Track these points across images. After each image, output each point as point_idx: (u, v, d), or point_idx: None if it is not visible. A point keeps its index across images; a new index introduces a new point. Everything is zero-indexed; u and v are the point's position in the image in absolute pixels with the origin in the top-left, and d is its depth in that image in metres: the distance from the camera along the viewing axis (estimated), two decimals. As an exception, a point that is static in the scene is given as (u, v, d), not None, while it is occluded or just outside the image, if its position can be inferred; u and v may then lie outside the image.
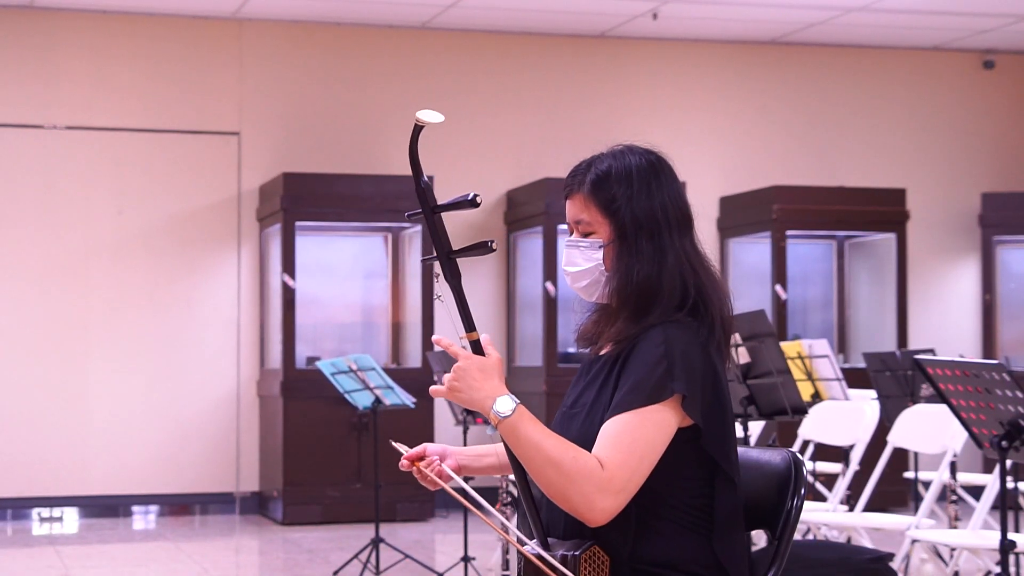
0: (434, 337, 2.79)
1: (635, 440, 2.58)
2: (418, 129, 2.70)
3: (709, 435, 2.66)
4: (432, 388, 2.74)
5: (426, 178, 2.73)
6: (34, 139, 9.80)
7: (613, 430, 2.60)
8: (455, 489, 2.80)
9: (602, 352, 2.78)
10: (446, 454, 2.91)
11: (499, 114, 10.52)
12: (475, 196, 2.68)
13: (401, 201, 9.74)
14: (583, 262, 2.77)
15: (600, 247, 2.75)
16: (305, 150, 10.19)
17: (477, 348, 2.67)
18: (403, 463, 2.86)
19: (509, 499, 6.28)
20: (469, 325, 2.69)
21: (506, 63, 10.60)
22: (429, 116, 2.70)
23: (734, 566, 2.70)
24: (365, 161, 10.26)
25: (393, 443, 2.96)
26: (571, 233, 2.81)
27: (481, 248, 2.68)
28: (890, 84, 11.25)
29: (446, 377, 2.69)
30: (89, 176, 9.86)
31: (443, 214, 2.74)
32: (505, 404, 2.61)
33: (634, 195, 2.73)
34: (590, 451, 2.62)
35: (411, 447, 2.89)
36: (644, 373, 2.62)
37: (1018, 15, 10.30)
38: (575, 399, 2.79)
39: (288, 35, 10.24)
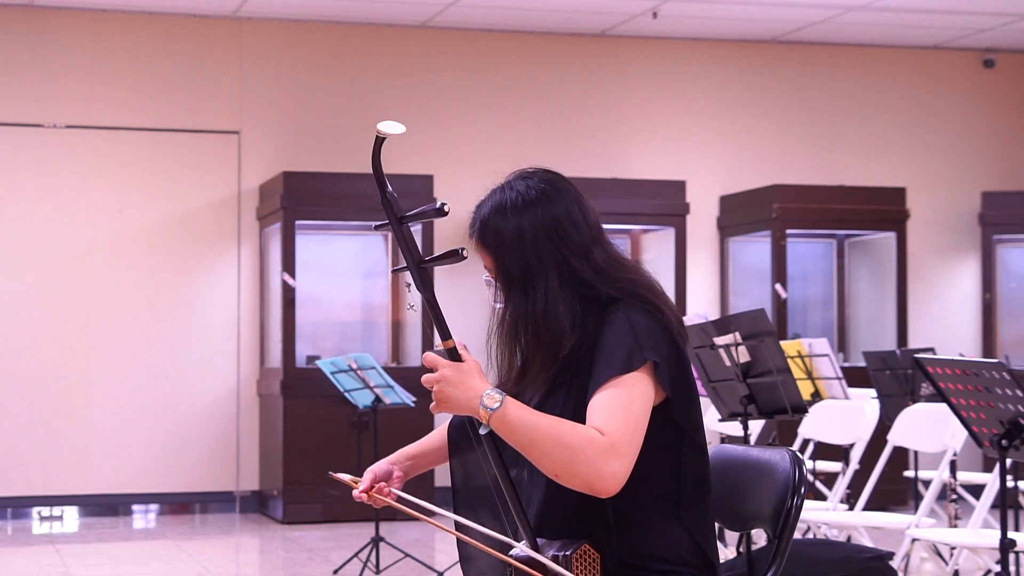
0: (424, 355, 2.77)
1: (626, 405, 2.59)
2: (380, 141, 2.70)
3: (677, 405, 2.68)
4: (431, 406, 2.73)
5: (391, 189, 2.73)
6: (34, 138, 9.79)
7: (601, 400, 2.60)
8: (410, 506, 2.82)
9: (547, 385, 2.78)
10: (390, 472, 2.93)
11: (499, 113, 10.51)
12: (442, 204, 2.69)
13: (401, 200, 9.68)
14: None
15: (498, 288, 2.79)
16: (305, 149, 10.19)
17: (454, 355, 2.66)
18: (358, 496, 2.87)
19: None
20: (444, 333, 2.68)
21: (506, 62, 10.60)
22: (390, 128, 2.70)
23: (702, 533, 2.72)
24: (365, 160, 10.15)
25: (334, 475, 2.94)
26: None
27: (452, 256, 2.67)
28: (890, 83, 11.25)
29: (430, 385, 2.67)
30: (89, 175, 9.86)
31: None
32: (491, 398, 2.61)
33: (506, 240, 2.74)
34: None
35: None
36: (615, 345, 2.64)
37: (1018, 14, 10.30)
38: (542, 399, 2.76)
39: (288, 34, 10.24)
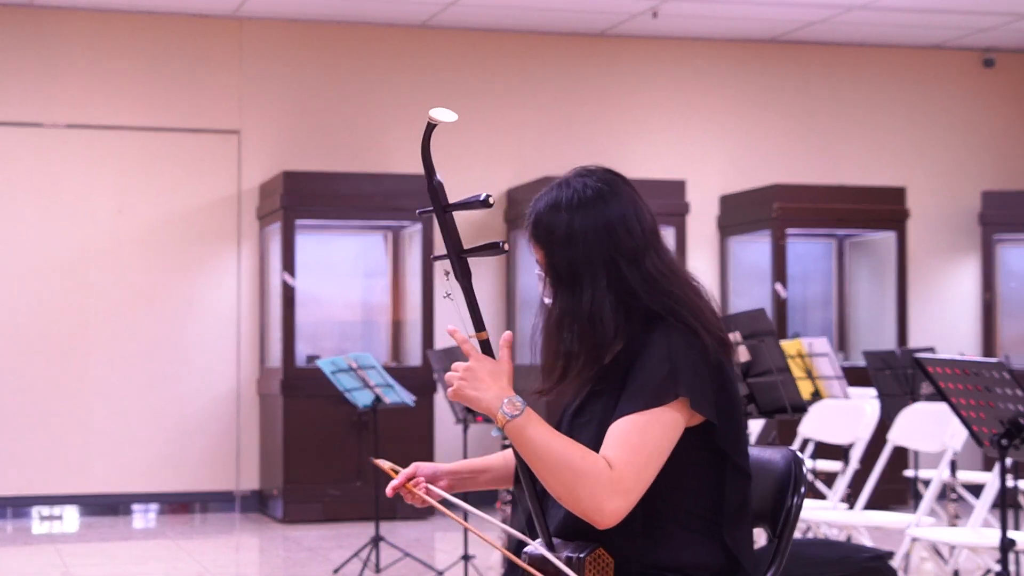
0: (449, 327, 2.76)
1: (643, 440, 2.58)
2: (431, 127, 2.70)
3: (722, 430, 2.66)
4: (448, 392, 2.71)
5: (438, 177, 2.72)
6: (34, 137, 9.80)
7: (620, 430, 2.59)
8: (443, 504, 2.80)
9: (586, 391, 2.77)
10: (438, 474, 2.89)
11: (499, 112, 10.52)
12: (487, 196, 2.68)
13: (401, 199, 9.75)
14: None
15: (547, 284, 2.77)
16: (305, 148, 10.19)
17: (487, 348, 2.67)
18: (391, 490, 2.83)
19: (510, 498, 6.28)
20: (479, 324, 2.70)
21: (506, 61, 10.60)
22: (442, 115, 2.70)
23: (745, 558, 2.71)
24: (365, 159, 10.26)
25: (376, 460, 2.92)
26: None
27: (492, 248, 2.68)
28: (890, 82, 11.25)
29: (450, 375, 2.67)
30: (89, 174, 9.86)
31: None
32: (513, 406, 2.61)
33: (557, 237, 2.71)
34: None
35: (402, 458, 2.89)
36: (648, 375, 2.62)
37: (1018, 13, 10.30)
38: (579, 406, 2.78)
39: (288, 33, 10.24)
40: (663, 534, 2.67)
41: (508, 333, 2.73)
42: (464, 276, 2.71)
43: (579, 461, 2.56)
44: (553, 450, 2.58)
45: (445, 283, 2.75)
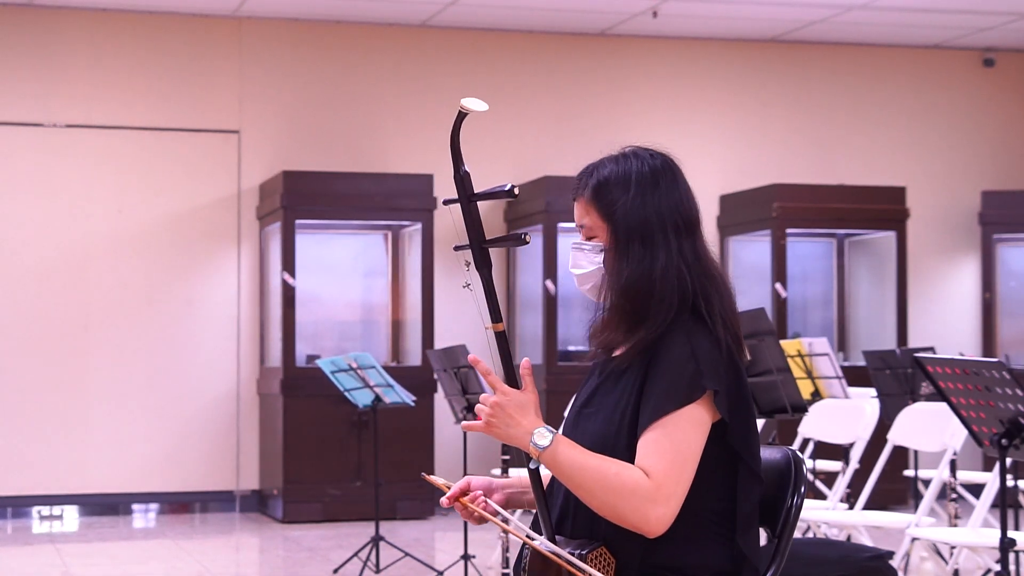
0: (471, 356, 2.79)
1: (676, 444, 2.60)
2: (462, 116, 2.71)
3: (735, 430, 2.68)
4: (464, 424, 2.73)
5: (464, 167, 2.71)
6: (34, 137, 9.79)
7: (653, 438, 2.61)
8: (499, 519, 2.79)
9: (614, 353, 2.78)
10: (492, 488, 2.88)
11: (499, 112, 10.51)
12: (512, 187, 2.71)
13: (401, 199, 9.75)
14: (587, 264, 2.80)
15: (601, 251, 2.77)
16: (305, 148, 10.19)
17: (502, 340, 2.69)
18: (446, 501, 2.82)
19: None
20: (496, 315, 2.71)
21: (506, 61, 10.60)
22: (474, 104, 2.70)
23: (757, 558, 2.72)
24: (365, 159, 10.26)
25: (427, 476, 2.90)
26: (580, 235, 2.84)
27: (515, 240, 2.73)
28: (890, 82, 11.25)
29: (480, 409, 2.68)
30: (89, 174, 9.86)
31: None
32: (543, 437, 2.64)
33: (630, 201, 2.74)
34: (610, 454, 2.64)
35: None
36: (674, 375, 2.64)
37: (1018, 13, 10.30)
38: (587, 398, 2.79)
39: (288, 33, 10.24)
40: (669, 534, 2.67)
41: (527, 360, 2.74)
42: (485, 267, 2.73)
43: (614, 478, 2.59)
44: (589, 472, 2.61)
45: (464, 273, 2.75)
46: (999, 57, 11.37)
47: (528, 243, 2.72)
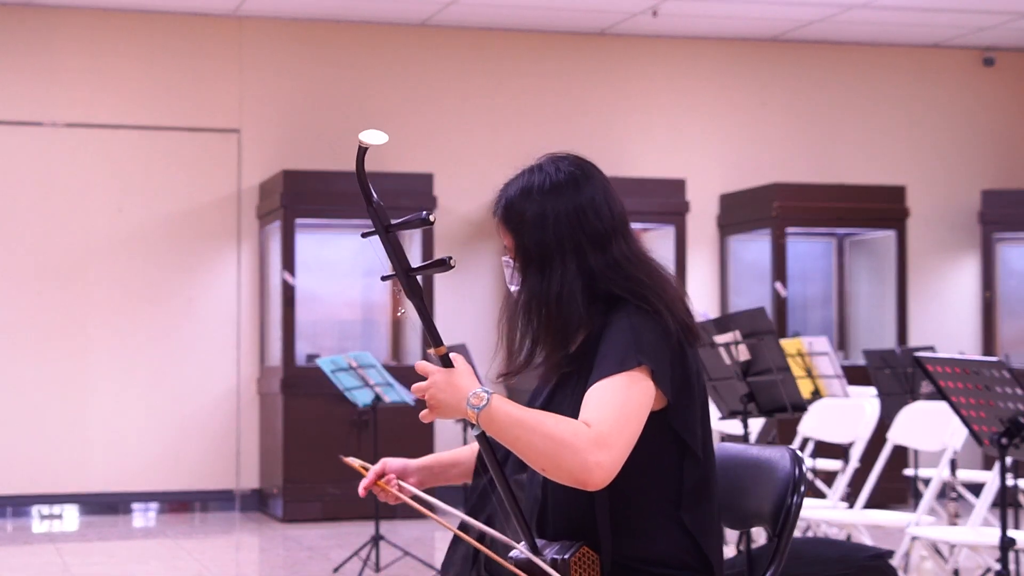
0: (417, 363, 2.77)
1: (614, 399, 2.57)
2: (363, 151, 2.71)
3: (676, 411, 2.66)
4: (421, 414, 2.72)
5: (376, 198, 2.74)
6: (33, 137, 9.79)
7: (592, 396, 2.60)
8: (415, 500, 2.80)
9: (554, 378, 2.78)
10: (407, 471, 2.91)
11: (498, 111, 10.51)
12: (427, 214, 2.71)
13: (401, 198, 9.74)
14: (514, 284, 2.80)
15: (515, 269, 2.78)
16: (305, 147, 10.19)
17: (447, 362, 2.66)
18: (363, 489, 2.85)
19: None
20: (436, 340, 2.69)
21: (506, 60, 10.60)
22: (372, 137, 2.71)
23: (703, 535, 2.70)
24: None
25: (345, 459, 2.92)
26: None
27: (440, 265, 2.69)
28: (890, 81, 11.25)
29: (421, 395, 2.68)
30: (88, 174, 9.86)
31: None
32: (478, 397, 2.60)
33: (530, 222, 2.73)
34: None
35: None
36: (613, 346, 2.63)
37: (1018, 12, 10.30)
38: (550, 394, 2.79)
39: (288, 32, 10.24)
40: (638, 525, 2.67)
41: (443, 347, 2.71)
42: (415, 294, 2.71)
43: (554, 427, 2.55)
44: (527, 424, 2.57)
45: (402, 301, 2.75)
46: (999, 56, 11.37)
47: (454, 267, 2.70)
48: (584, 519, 2.67)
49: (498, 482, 2.67)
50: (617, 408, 2.56)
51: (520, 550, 2.64)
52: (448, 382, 2.63)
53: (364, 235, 2.82)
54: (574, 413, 2.63)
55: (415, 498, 2.85)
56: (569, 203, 2.73)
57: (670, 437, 2.68)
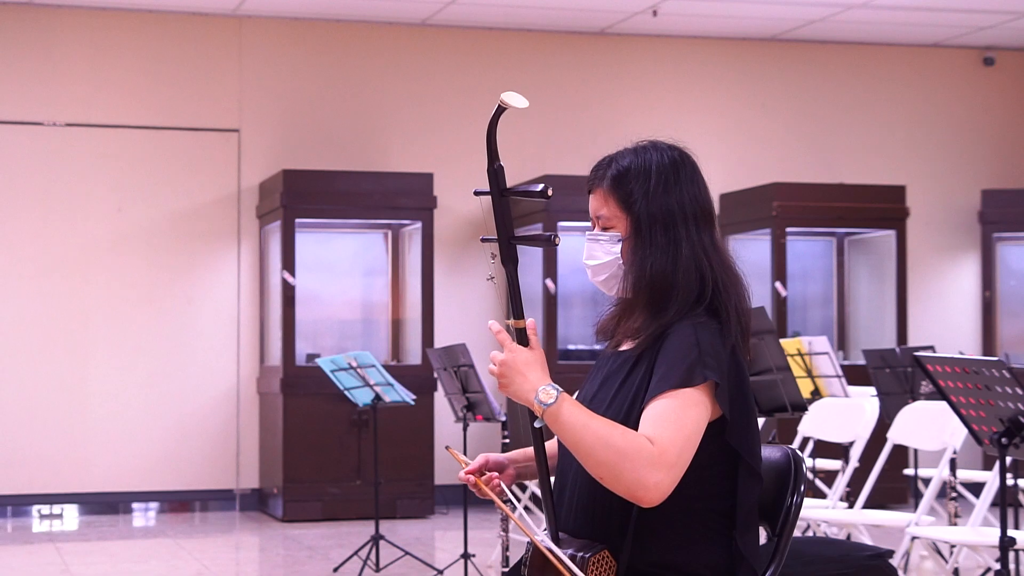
0: (490, 322, 2.80)
1: (680, 418, 2.58)
2: (500, 110, 2.71)
3: (735, 427, 2.67)
4: (490, 368, 2.74)
5: (499, 162, 2.72)
6: (34, 136, 9.79)
7: (656, 411, 2.60)
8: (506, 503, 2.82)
9: (621, 348, 2.79)
10: (504, 465, 2.93)
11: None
12: (546, 188, 2.71)
13: (401, 197, 9.75)
14: (602, 255, 2.80)
15: (619, 241, 2.78)
16: (305, 147, 10.19)
17: (523, 337, 2.69)
18: (463, 477, 2.87)
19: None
20: (518, 312, 2.72)
21: (505, 60, 10.60)
22: (514, 100, 2.71)
23: (755, 558, 2.72)
24: (365, 158, 10.26)
25: (450, 449, 3.00)
26: (593, 227, 2.84)
27: (543, 240, 2.72)
28: (890, 81, 11.25)
29: (491, 369, 2.71)
30: (89, 173, 9.86)
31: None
32: (547, 393, 2.62)
33: (651, 191, 2.76)
34: None
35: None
36: (677, 359, 2.63)
37: (1018, 12, 10.30)
38: (594, 393, 2.79)
39: (288, 32, 10.24)
40: (668, 534, 2.67)
41: (531, 320, 2.74)
42: (512, 262, 2.73)
43: (619, 439, 2.56)
44: (591, 431, 2.58)
45: (490, 265, 2.76)
46: (999, 56, 11.37)
47: (558, 245, 2.72)
48: (612, 522, 2.67)
49: (540, 477, 2.69)
50: (681, 428, 2.58)
51: (543, 538, 2.65)
52: (523, 367, 2.66)
53: (476, 193, 2.84)
54: (620, 411, 2.65)
55: (508, 504, 2.86)
56: (688, 181, 2.80)
57: (721, 452, 2.68)
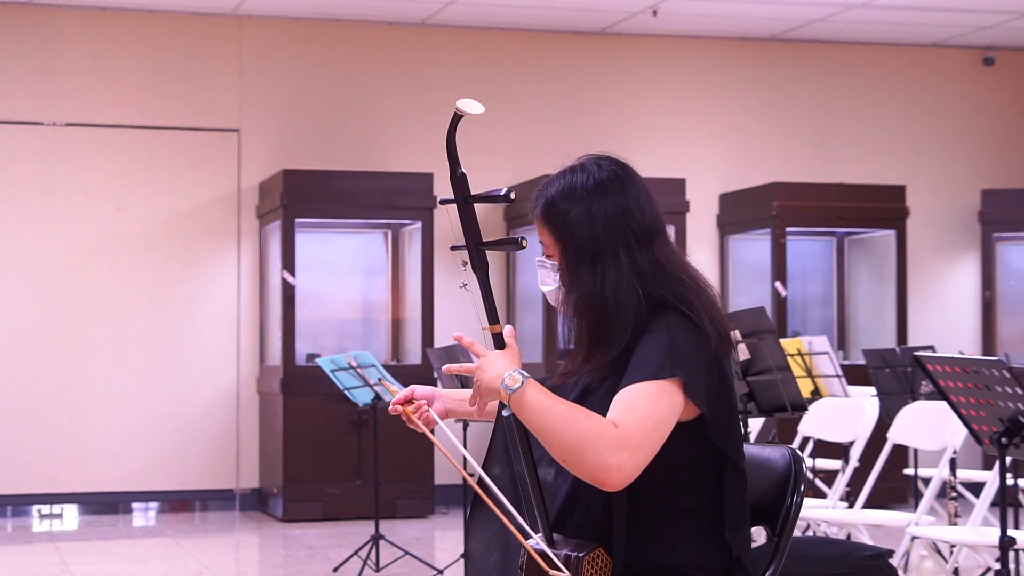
0: (455, 333, 2.79)
1: (647, 404, 2.57)
2: (457, 118, 2.71)
3: (715, 424, 2.66)
4: (469, 399, 2.77)
5: (461, 169, 2.74)
6: (34, 136, 9.79)
7: (624, 397, 2.60)
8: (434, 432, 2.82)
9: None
10: (434, 398, 2.96)
11: (498, 111, 10.51)
12: (509, 191, 2.71)
13: (401, 197, 9.75)
14: (550, 282, 2.81)
15: (557, 269, 2.78)
16: (305, 147, 10.19)
17: (499, 342, 2.69)
18: (393, 407, 2.89)
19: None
20: (493, 317, 2.72)
21: (505, 60, 10.60)
22: (469, 106, 2.71)
23: (747, 558, 2.71)
24: (365, 158, 10.26)
25: (383, 381, 3.03)
26: (543, 252, 2.84)
27: (511, 243, 2.72)
28: (890, 81, 11.25)
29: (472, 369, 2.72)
30: (89, 173, 9.86)
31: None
32: (512, 379, 2.62)
33: (575, 218, 2.73)
34: None
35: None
36: (651, 356, 2.62)
37: (1018, 11, 10.30)
38: (580, 395, 2.78)
39: (288, 32, 10.24)
40: (660, 534, 2.67)
41: (509, 327, 2.75)
42: (481, 268, 2.73)
43: (583, 422, 2.55)
44: (556, 413, 2.58)
45: (462, 273, 2.75)
46: (999, 56, 11.37)
47: (524, 247, 2.71)
48: (604, 521, 2.67)
49: (528, 473, 2.69)
50: (646, 413, 2.56)
51: (536, 541, 2.65)
52: (491, 362, 2.66)
53: (442, 202, 2.83)
54: (602, 415, 2.63)
55: (433, 430, 2.90)
56: (615, 201, 2.73)
57: (705, 451, 2.68)
